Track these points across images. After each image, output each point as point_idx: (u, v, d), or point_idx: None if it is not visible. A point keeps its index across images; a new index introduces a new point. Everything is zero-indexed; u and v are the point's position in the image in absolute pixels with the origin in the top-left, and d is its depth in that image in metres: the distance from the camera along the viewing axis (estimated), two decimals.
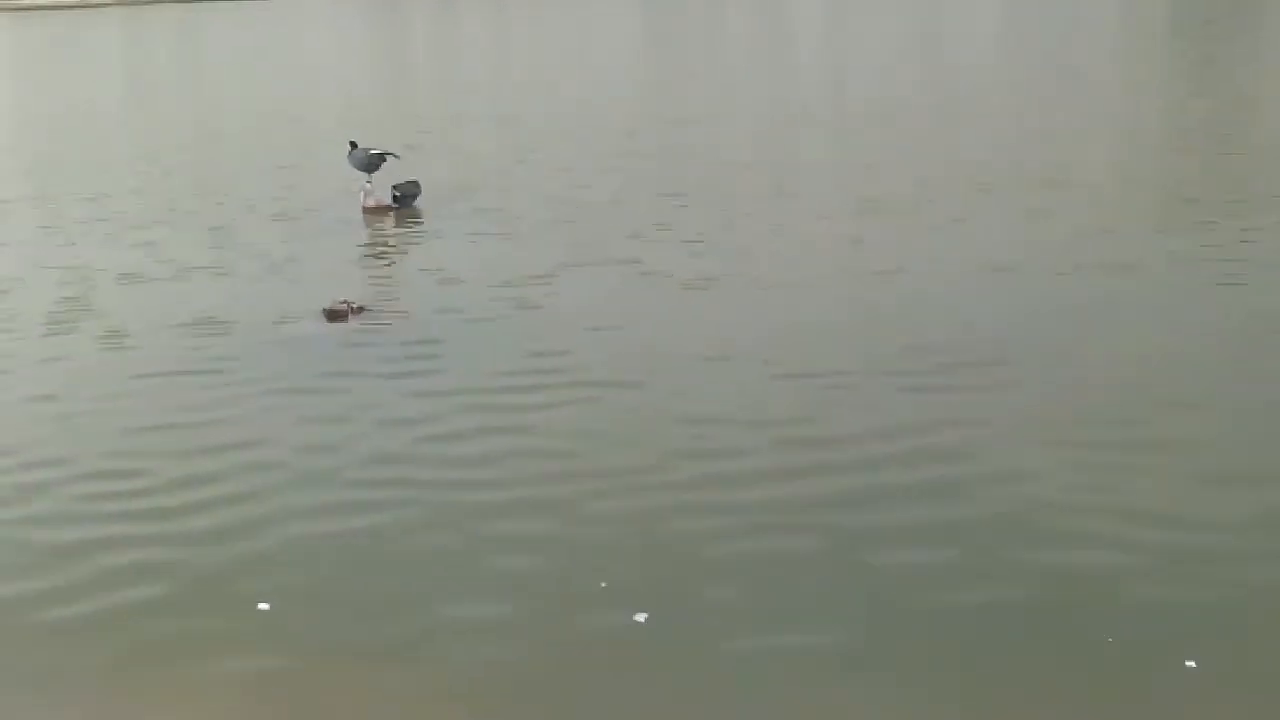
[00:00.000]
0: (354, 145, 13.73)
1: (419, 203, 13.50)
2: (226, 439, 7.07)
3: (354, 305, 9.46)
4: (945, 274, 9.91)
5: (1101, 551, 5.47)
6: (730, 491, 6.14)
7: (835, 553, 5.51)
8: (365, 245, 12.30)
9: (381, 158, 13.62)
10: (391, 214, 13.22)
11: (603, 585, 5.33)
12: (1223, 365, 7.71)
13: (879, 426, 6.83)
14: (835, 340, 8.42)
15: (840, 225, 11.91)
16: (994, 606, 5.07)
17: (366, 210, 13.30)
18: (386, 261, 11.62)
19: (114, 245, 12.27)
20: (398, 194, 13.40)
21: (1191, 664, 4.63)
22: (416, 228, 12.71)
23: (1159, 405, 7.08)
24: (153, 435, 7.18)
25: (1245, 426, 6.73)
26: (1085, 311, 8.75)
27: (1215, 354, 7.89)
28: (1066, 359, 7.86)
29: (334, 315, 9.33)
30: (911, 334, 8.42)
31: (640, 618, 5.06)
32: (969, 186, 13.33)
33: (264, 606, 5.26)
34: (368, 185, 13.44)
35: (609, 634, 5.00)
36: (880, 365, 7.84)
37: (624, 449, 6.70)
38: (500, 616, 5.17)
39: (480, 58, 38.64)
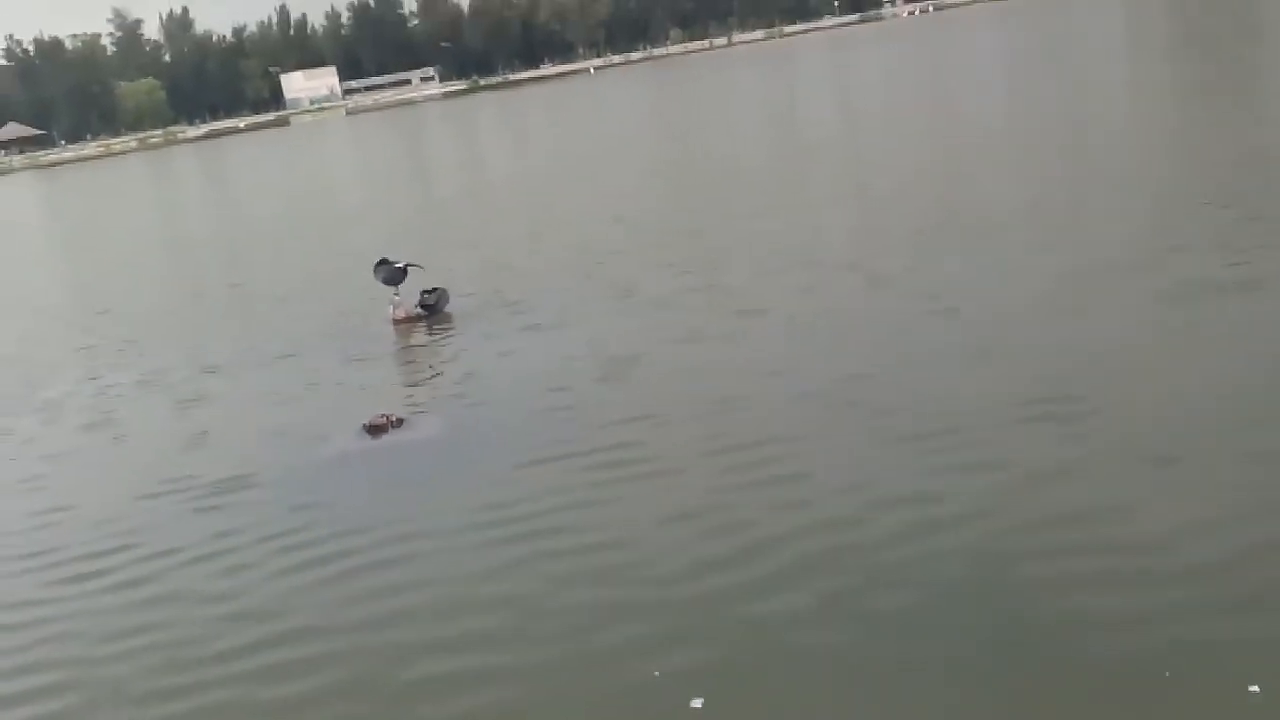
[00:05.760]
0: (383, 261, 14.02)
1: (447, 309, 13.71)
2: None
3: (393, 418, 9.63)
4: None
5: (1153, 588, 5.45)
6: (787, 576, 6.08)
7: (896, 638, 5.42)
8: (398, 357, 12.51)
9: (404, 271, 13.83)
10: (421, 323, 13.44)
11: (656, 674, 5.35)
12: None
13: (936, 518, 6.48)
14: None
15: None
16: (1058, 660, 5.06)
17: (396, 322, 13.51)
18: (420, 372, 11.80)
19: (153, 370, 12.60)
20: (425, 303, 13.63)
21: (1254, 689, 4.60)
22: (446, 335, 12.87)
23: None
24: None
25: None
26: None
27: None
28: None
29: (375, 429, 9.50)
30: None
31: (697, 704, 5.07)
32: None
33: None
34: (396, 298, 13.67)
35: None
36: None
37: (669, 538, 6.71)
38: (556, 700, 5.25)
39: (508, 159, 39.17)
